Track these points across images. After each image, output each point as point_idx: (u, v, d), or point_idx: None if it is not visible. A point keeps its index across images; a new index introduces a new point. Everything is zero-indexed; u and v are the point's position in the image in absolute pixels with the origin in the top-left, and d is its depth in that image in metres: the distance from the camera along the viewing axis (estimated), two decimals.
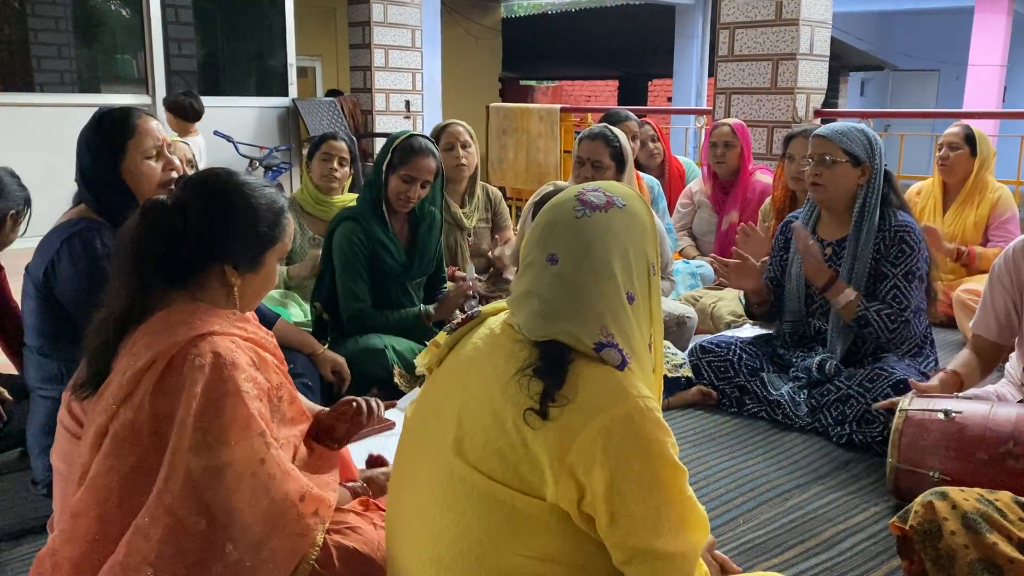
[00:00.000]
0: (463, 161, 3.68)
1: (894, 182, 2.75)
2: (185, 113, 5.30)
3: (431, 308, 3.01)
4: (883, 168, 2.70)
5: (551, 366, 1.21)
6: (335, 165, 3.51)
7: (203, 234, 1.48)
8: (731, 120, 4.21)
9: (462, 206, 3.74)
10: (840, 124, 2.75)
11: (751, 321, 3.50)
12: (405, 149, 2.90)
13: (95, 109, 2.22)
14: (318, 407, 1.86)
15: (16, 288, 2.54)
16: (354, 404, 1.75)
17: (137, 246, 1.45)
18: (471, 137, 3.71)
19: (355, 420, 1.75)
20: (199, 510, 1.33)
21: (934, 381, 2.31)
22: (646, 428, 1.18)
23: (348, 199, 3.55)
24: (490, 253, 3.78)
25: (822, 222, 2.85)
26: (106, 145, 2.12)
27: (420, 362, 1.43)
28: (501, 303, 1.40)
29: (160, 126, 2.22)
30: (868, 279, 2.69)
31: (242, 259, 1.52)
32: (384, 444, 2.27)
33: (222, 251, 1.49)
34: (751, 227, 2.95)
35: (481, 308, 1.40)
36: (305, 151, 6.97)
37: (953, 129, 3.98)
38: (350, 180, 3.66)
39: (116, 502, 1.35)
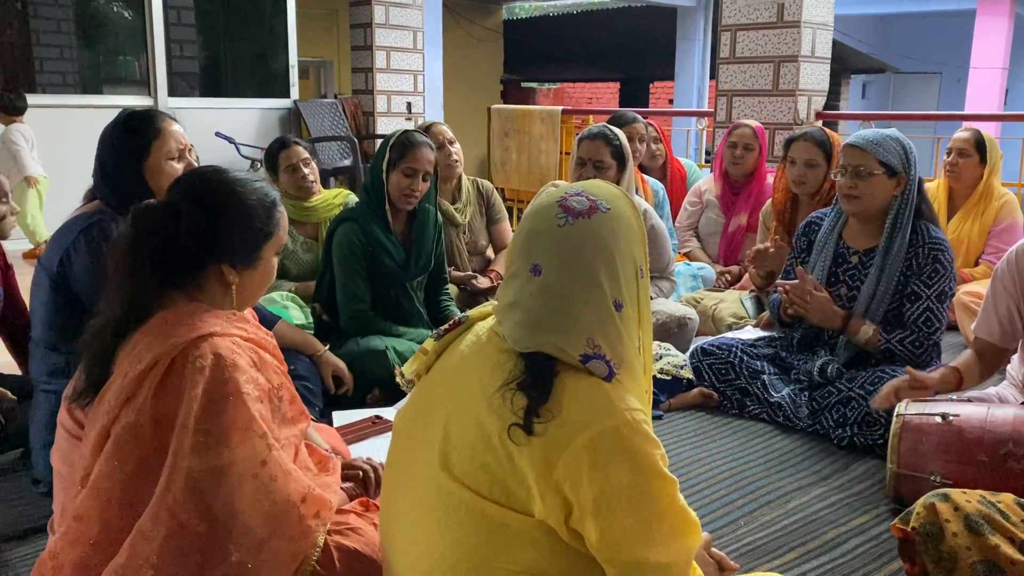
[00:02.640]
0: (455, 157, 3.68)
1: (925, 193, 2.67)
2: (7, 109, 5.59)
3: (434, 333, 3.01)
4: (918, 178, 2.63)
5: (536, 379, 1.18)
6: (304, 171, 3.43)
7: (197, 235, 1.47)
8: (752, 122, 4.16)
9: (452, 203, 3.74)
10: (872, 132, 2.63)
11: (752, 322, 3.51)
12: (403, 144, 2.92)
13: (97, 111, 2.23)
14: (325, 444, 1.85)
15: (23, 287, 2.55)
16: (360, 474, 1.74)
17: (132, 251, 1.45)
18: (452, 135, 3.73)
19: (360, 485, 1.74)
20: (201, 512, 1.33)
21: (934, 374, 2.30)
22: (634, 442, 1.16)
23: (329, 196, 3.52)
24: (489, 250, 3.77)
25: (849, 228, 2.77)
26: (131, 143, 2.15)
27: (407, 370, 1.40)
28: (488, 306, 1.37)
29: (182, 130, 2.26)
30: (895, 294, 2.64)
31: (238, 256, 1.52)
32: (383, 446, 2.27)
33: (218, 250, 1.49)
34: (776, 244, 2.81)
35: (468, 312, 1.38)
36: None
37: (963, 134, 3.90)
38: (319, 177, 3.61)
39: (118, 505, 1.35)
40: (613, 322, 1.21)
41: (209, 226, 1.48)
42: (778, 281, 2.82)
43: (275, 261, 1.60)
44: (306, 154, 3.46)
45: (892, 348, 2.59)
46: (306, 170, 3.44)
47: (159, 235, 1.45)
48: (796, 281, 2.70)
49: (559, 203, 1.24)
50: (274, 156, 3.47)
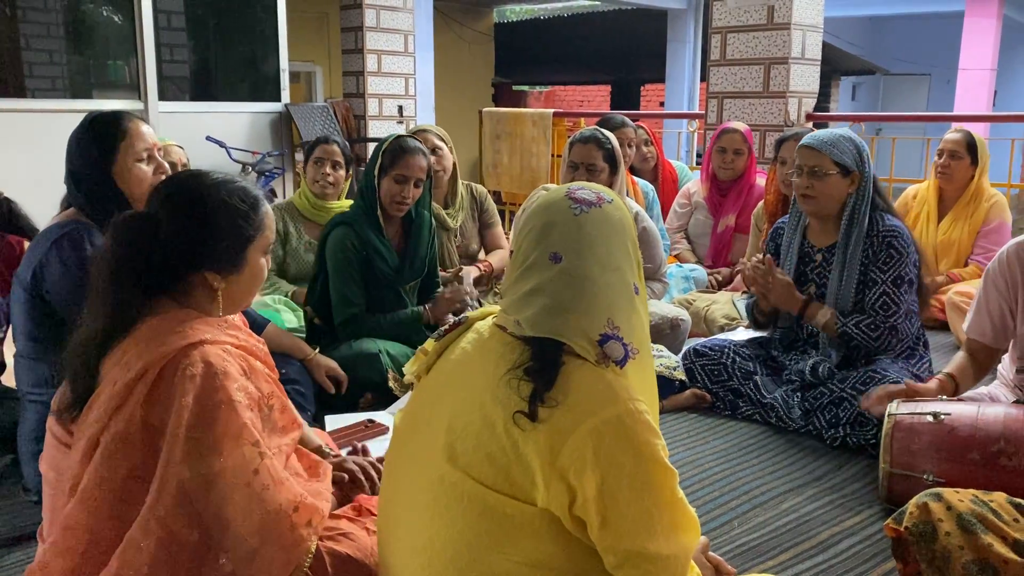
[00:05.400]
0: (436, 165, 3.68)
1: (879, 185, 2.73)
2: None
3: (425, 308, 3.02)
4: (872, 174, 2.68)
5: (542, 366, 1.21)
6: (328, 169, 3.49)
7: (178, 245, 1.45)
8: (740, 125, 4.17)
9: (445, 207, 3.74)
10: (826, 133, 2.69)
11: (744, 323, 3.51)
12: (395, 150, 2.92)
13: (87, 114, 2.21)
14: (317, 442, 1.84)
15: None
16: (346, 478, 1.72)
17: (113, 264, 1.42)
18: (443, 140, 3.71)
19: (348, 490, 1.72)
20: (192, 522, 1.32)
21: (931, 384, 2.31)
22: (637, 431, 1.19)
23: (346, 205, 3.54)
24: (482, 253, 3.79)
25: (811, 229, 2.83)
26: (97, 147, 2.12)
27: (408, 370, 1.42)
28: (489, 307, 1.40)
29: (151, 130, 2.22)
30: (857, 284, 2.68)
31: (223, 263, 1.49)
32: (377, 449, 2.26)
33: (200, 258, 1.47)
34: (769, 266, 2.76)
35: (468, 313, 1.40)
36: (298, 156, 6.98)
37: (954, 136, 3.92)
38: (348, 183, 3.65)
39: (107, 514, 1.34)
40: (632, 305, 1.27)
41: (189, 235, 1.45)
42: (742, 261, 2.86)
43: (263, 261, 1.57)
44: (339, 157, 3.52)
45: (848, 331, 2.63)
46: (329, 169, 3.49)
47: (140, 247, 1.43)
48: (756, 261, 2.78)
49: (568, 196, 1.31)
50: (312, 147, 3.55)
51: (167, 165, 2.24)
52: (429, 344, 1.39)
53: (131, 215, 1.47)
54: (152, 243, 1.44)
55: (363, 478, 1.74)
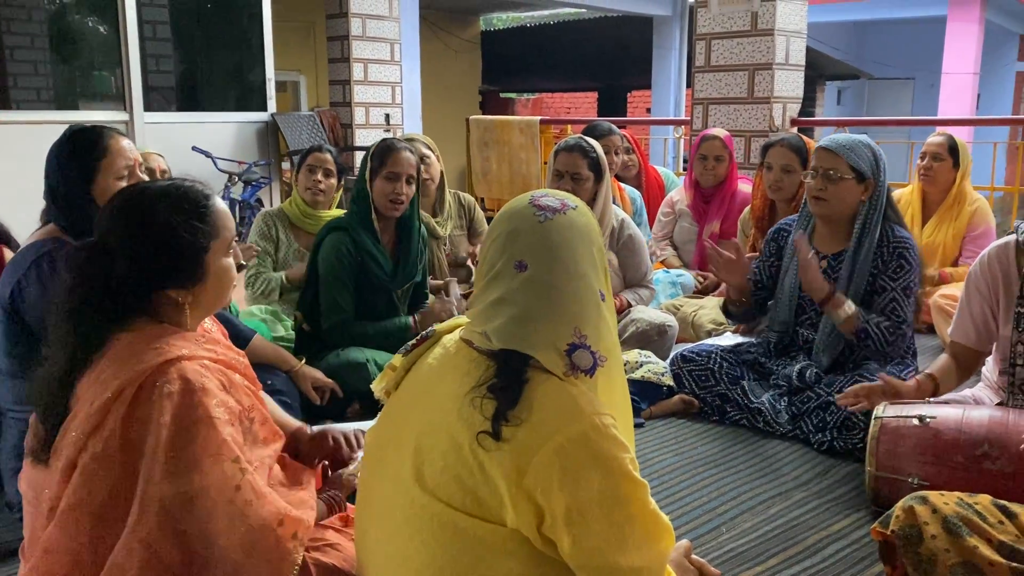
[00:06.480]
0: (424, 174, 3.68)
1: (891, 196, 2.73)
2: None
3: (414, 318, 3.02)
4: (886, 184, 2.68)
5: (506, 383, 1.19)
6: (319, 177, 3.49)
7: (132, 271, 1.41)
8: (720, 132, 4.20)
9: (433, 215, 3.74)
10: (845, 137, 2.69)
11: (731, 328, 3.52)
12: (383, 150, 2.96)
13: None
14: (297, 423, 1.84)
15: None
16: (331, 440, 1.72)
17: (72, 298, 1.40)
18: (430, 148, 3.71)
19: (334, 456, 1.72)
20: (175, 540, 1.30)
21: (910, 384, 2.32)
22: (603, 446, 1.16)
23: (336, 214, 3.54)
24: (469, 261, 3.79)
25: (817, 234, 2.81)
26: (77, 166, 2.09)
27: (377, 387, 1.41)
28: (456, 320, 1.38)
29: (132, 145, 2.19)
30: (864, 293, 2.68)
31: (183, 277, 1.45)
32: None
33: (159, 278, 1.43)
34: (734, 246, 2.88)
35: (435, 326, 1.38)
36: (285, 165, 6.97)
37: (936, 139, 3.96)
38: (340, 193, 3.64)
39: (87, 537, 1.32)
40: (599, 312, 1.25)
41: (142, 260, 1.41)
42: (709, 242, 2.91)
43: (227, 261, 1.51)
44: (330, 165, 3.53)
45: (868, 329, 2.59)
46: (320, 177, 3.50)
47: (95, 279, 1.40)
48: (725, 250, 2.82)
49: (532, 203, 1.29)
50: (305, 155, 3.57)
51: (147, 179, 2.21)
52: (397, 359, 1.38)
53: (82, 247, 1.43)
54: (107, 273, 1.40)
55: (344, 442, 1.73)
